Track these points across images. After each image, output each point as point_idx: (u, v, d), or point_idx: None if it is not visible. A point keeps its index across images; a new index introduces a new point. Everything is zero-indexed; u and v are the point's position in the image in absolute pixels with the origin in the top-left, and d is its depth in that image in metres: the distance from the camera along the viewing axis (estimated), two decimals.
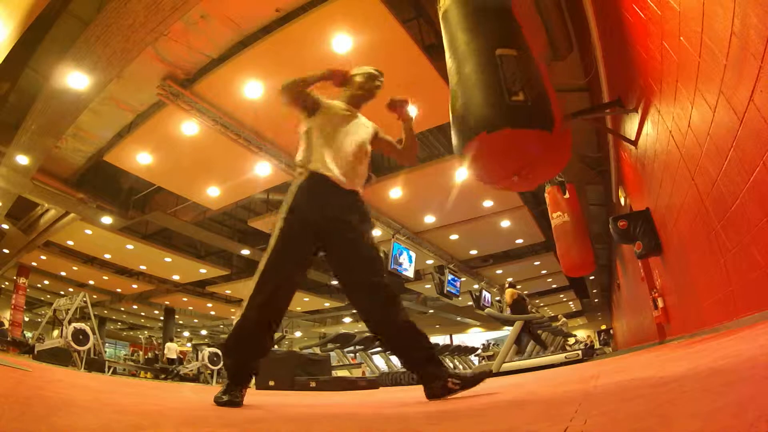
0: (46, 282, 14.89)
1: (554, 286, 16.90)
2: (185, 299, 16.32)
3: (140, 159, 7.11)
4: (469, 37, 2.38)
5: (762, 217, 1.80)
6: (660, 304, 4.90)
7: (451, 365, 10.40)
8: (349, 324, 20.18)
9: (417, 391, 2.47)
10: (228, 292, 16.03)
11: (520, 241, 11.89)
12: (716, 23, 1.72)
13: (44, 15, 4.60)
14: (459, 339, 22.36)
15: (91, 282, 14.80)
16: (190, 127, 6.34)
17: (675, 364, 1.62)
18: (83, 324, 8.24)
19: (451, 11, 2.58)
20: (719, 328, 2.72)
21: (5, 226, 9.90)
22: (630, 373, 1.81)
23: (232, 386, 1.76)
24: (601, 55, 4.03)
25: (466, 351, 11.27)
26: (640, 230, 4.32)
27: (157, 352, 12.75)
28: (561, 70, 5.50)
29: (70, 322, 8.32)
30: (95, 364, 8.63)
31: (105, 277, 14.09)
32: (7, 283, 14.92)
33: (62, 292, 15.12)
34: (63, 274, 14.02)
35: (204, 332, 24.17)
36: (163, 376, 10.74)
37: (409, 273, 10.19)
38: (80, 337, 7.74)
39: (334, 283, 15.09)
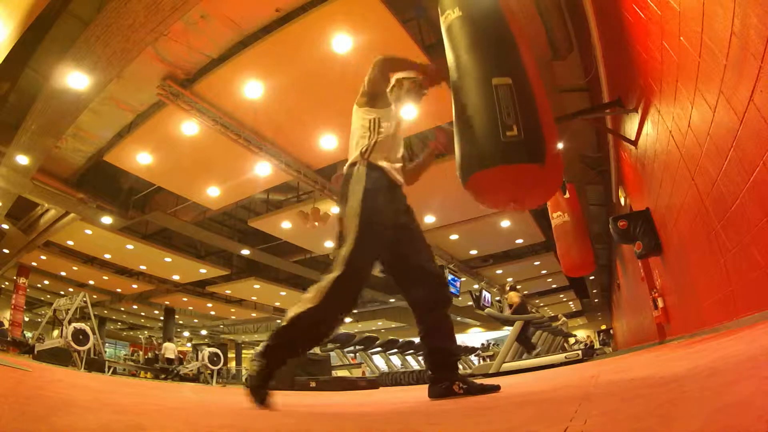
0: (46, 282, 14.89)
1: (554, 286, 16.90)
2: (185, 299, 16.32)
3: (140, 159, 7.11)
4: (470, 63, 2.48)
5: (762, 217, 1.80)
6: (660, 304, 4.90)
7: None
8: (349, 324, 20.18)
9: (417, 391, 2.47)
10: (228, 292, 16.02)
11: (520, 241, 11.89)
12: (716, 23, 1.72)
13: (44, 15, 4.60)
14: (459, 339, 22.26)
15: (91, 282, 14.80)
16: (190, 127, 6.34)
17: (675, 364, 1.62)
18: (83, 324, 8.24)
19: (454, 27, 2.62)
20: (719, 328, 2.72)
21: (5, 226, 9.90)
22: (630, 373, 1.81)
23: (267, 379, 1.68)
24: (601, 55, 4.03)
25: (466, 351, 11.27)
26: (640, 230, 4.32)
27: (157, 352, 12.74)
28: (561, 70, 5.50)
29: (70, 322, 8.32)
30: (95, 364, 8.63)
31: (105, 277, 14.09)
32: (7, 283, 14.92)
33: (62, 292, 15.12)
34: (63, 274, 14.02)
35: (204, 332, 24.16)
36: (163, 376, 10.74)
37: None
38: (80, 337, 7.74)
39: None
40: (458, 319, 21.84)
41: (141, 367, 11.54)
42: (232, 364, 23.34)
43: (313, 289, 1.77)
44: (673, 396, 0.90)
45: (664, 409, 0.75)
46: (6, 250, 11.22)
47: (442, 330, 1.92)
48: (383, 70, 2.04)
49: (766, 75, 1.47)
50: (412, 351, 9.11)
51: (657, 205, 3.97)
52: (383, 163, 1.95)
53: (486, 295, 12.40)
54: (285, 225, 9.74)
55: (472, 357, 11.60)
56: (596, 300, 20.18)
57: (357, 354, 9.11)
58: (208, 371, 10.87)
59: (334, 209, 8.78)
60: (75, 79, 5.24)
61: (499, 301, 11.77)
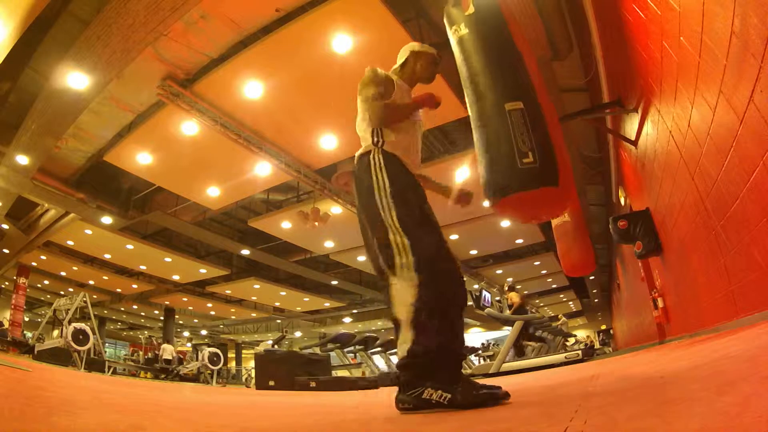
0: (46, 282, 14.88)
1: (554, 286, 16.91)
2: (185, 299, 16.33)
3: (140, 159, 7.11)
4: (482, 88, 2.61)
5: (762, 217, 1.80)
6: (660, 304, 4.90)
7: None
8: (349, 324, 20.18)
9: None
10: (228, 292, 16.03)
11: (520, 241, 11.89)
12: (716, 23, 1.72)
13: (44, 15, 4.59)
14: None
15: (91, 282, 14.80)
16: (190, 127, 6.34)
17: (675, 364, 1.62)
18: (83, 324, 8.25)
19: (467, 42, 2.66)
20: (719, 328, 2.72)
21: (5, 226, 9.89)
22: (630, 373, 1.81)
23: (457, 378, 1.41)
24: (601, 55, 4.03)
25: (466, 351, 11.27)
26: (640, 230, 4.32)
27: (157, 352, 12.76)
28: (561, 70, 5.50)
29: (70, 322, 8.33)
30: (95, 364, 8.63)
31: (105, 277, 14.09)
32: (7, 283, 14.91)
33: (62, 292, 15.12)
34: (63, 274, 14.02)
35: (204, 332, 24.16)
36: (163, 376, 10.75)
37: None
38: (80, 337, 7.75)
39: (334, 283, 15.10)
40: None
41: (141, 367, 11.54)
42: (232, 364, 23.35)
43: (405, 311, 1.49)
44: (673, 396, 0.90)
45: (664, 409, 0.75)
46: (6, 250, 11.22)
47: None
48: (381, 122, 1.84)
49: (766, 75, 1.47)
50: None
51: (657, 205, 3.97)
52: (403, 156, 1.81)
53: (486, 295, 12.40)
54: (285, 225, 9.74)
55: (472, 357, 11.60)
56: (596, 300, 20.19)
57: (357, 354, 9.11)
58: (208, 371, 10.88)
59: (335, 209, 8.78)
60: (75, 79, 5.24)
61: (499, 301, 11.77)
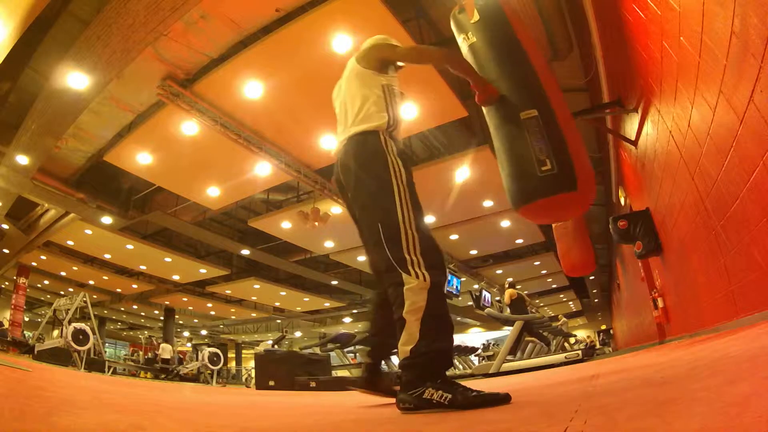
0: (46, 282, 14.89)
1: (554, 286, 16.91)
2: (185, 299, 16.33)
3: (140, 159, 7.11)
4: (501, 96, 2.63)
5: (762, 217, 1.80)
6: (660, 304, 4.90)
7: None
8: (349, 324, 20.19)
9: None
10: (228, 292, 16.03)
11: (520, 241, 11.89)
12: (716, 23, 1.72)
13: (44, 15, 4.59)
14: (459, 339, 22.36)
15: (91, 282, 14.80)
16: (190, 127, 6.34)
17: (675, 364, 1.62)
18: (83, 324, 8.25)
19: (478, 50, 2.68)
20: (719, 328, 2.72)
21: (5, 226, 9.89)
22: (630, 373, 1.81)
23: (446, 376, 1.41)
24: (601, 55, 4.03)
25: (466, 351, 11.26)
26: (640, 230, 4.32)
27: (157, 352, 12.78)
28: (561, 70, 5.50)
29: (70, 322, 8.33)
30: (95, 364, 8.64)
31: (105, 277, 14.09)
32: (7, 283, 14.92)
33: (62, 292, 15.12)
34: (63, 274, 14.02)
35: (204, 332, 24.16)
36: (163, 376, 10.75)
37: None
38: (80, 337, 7.75)
39: (334, 283, 15.11)
40: (458, 319, 21.83)
41: (141, 367, 11.55)
42: (232, 364, 23.37)
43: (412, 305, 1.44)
44: (673, 396, 0.90)
45: (664, 409, 0.75)
46: (6, 250, 11.22)
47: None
48: (421, 61, 1.91)
49: (766, 75, 1.47)
50: None
51: (657, 205, 3.97)
52: (397, 136, 1.72)
53: (486, 295, 12.40)
54: (285, 225, 9.74)
55: (472, 357, 11.60)
56: (596, 300, 20.20)
57: (357, 354, 9.11)
58: (208, 371, 10.89)
59: (335, 209, 8.78)
60: (75, 79, 5.24)
61: (499, 301, 11.77)
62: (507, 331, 8.13)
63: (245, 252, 12.17)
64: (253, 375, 10.13)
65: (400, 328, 1.44)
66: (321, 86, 5.99)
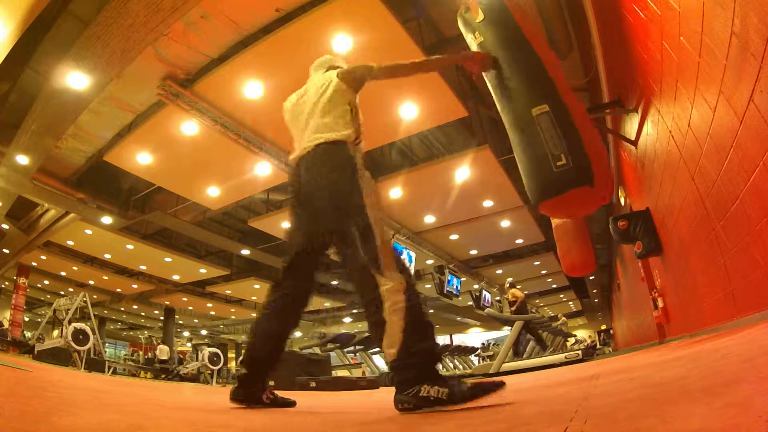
0: (46, 282, 14.88)
1: (554, 286, 16.91)
2: (185, 299, 16.32)
3: (140, 159, 7.11)
4: (508, 96, 2.64)
5: (762, 217, 1.80)
6: (660, 304, 4.90)
7: (451, 365, 10.40)
8: (349, 324, 20.18)
9: None
10: (228, 292, 16.03)
11: (520, 241, 11.89)
12: (716, 23, 1.72)
13: (44, 15, 4.59)
14: (459, 339, 22.36)
15: (91, 282, 14.79)
16: (190, 127, 6.34)
17: (675, 364, 1.62)
18: (83, 324, 8.25)
19: (488, 47, 2.68)
20: (719, 328, 2.72)
21: (5, 226, 9.89)
22: (630, 373, 1.81)
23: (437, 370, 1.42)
24: (601, 55, 4.03)
25: (466, 351, 11.27)
26: (640, 230, 4.32)
27: (156, 352, 12.80)
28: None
29: (70, 322, 8.33)
30: (95, 364, 8.63)
31: (105, 277, 14.09)
32: (7, 283, 14.91)
33: (62, 292, 15.12)
34: (63, 274, 14.01)
35: (204, 332, 24.16)
36: (163, 376, 10.75)
37: None
38: (80, 337, 7.75)
39: (334, 283, 15.10)
40: (458, 319, 21.84)
41: (141, 367, 11.55)
42: (232, 364, 23.35)
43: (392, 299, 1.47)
44: (673, 396, 0.90)
45: (664, 409, 0.75)
46: (6, 250, 11.22)
47: None
48: (395, 74, 1.99)
49: (766, 75, 1.47)
50: None
51: (657, 205, 3.98)
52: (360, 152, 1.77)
53: (486, 295, 12.40)
54: (285, 225, 9.72)
55: (472, 357, 11.60)
56: (596, 300, 20.19)
57: (357, 354, 9.11)
58: (208, 371, 10.88)
59: None
60: (75, 79, 5.24)
61: (499, 301, 11.77)
62: (507, 331, 8.14)
63: (245, 252, 12.17)
64: None
65: (380, 329, 1.45)
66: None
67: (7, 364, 2.73)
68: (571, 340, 13.43)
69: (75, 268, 13.10)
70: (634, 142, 4.01)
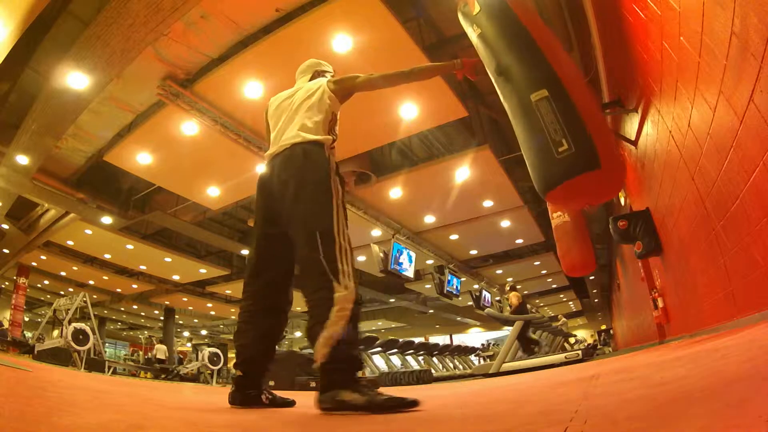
0: (46, 282, 14.89)
1: (554, 286, 16.90)
2: (185, 299, 16.32)
3: (140, 159, 7.11)
4: (506, 84, 2.59)
5: (762, 217, 1.80)
6: (660, 304, 4.90)
7: (451, 365, 10.41)
8: None
9: (417, 392, 2.47)
10: (228, 292, 16.02)
11: (520, 241, 11.89)
12: (716, 23, 1.72)
13: (44, 15, 4.59)
14: (459, 339, 22.37)
15: (91, 282, 14.79)
16: (190, 127, 6.34)
17: (675, 364, 1.62)
18: (83, 324, 8.25)
19: (486, 38, 2.64)
20: (719, 328, 2.72)
21: (5, 226, 9.89)
22: (630, 373, 1.81)
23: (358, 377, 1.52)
24: (601, 55, 4.03)
25: (466, 351, 11.28)
26: (640, 230, 4.32)
27: (154, 352, 12.82)
28: None
29: (70, 322, 8.33)
30: (95, 364, 8.64)
31: (105, 277, 14.09)
32: (7, 283, 14.91)
33: (62, 292, 15.12)
34: (63, 274, 14.01)
35: (204, 332, 24.16)
36: (163, 376, 10.75)
37: (409, 273, 10.19)
38: (80, 337, 7.75)
39: None
40: (458, 319, 21.84)
41: (141, 367, 11.54)
42: (232, 364, 23.35)
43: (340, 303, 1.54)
44: (673, 396, 0.90)
45: (664, 409, 0.75)
46: (6, 250, 11.22)
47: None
48: (386, 84, 2.02)
49: (766, 75, 1.47)
50: (412, 351, 9.11)
51: (657, 205, 3.97)
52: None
53: (486, 295, 12.41)
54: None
55: (472, 357, 11.60)
56: (596, 300, 20.18)
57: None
58: (208, 371, 10.88)
59: None
60: (75, 79, 5.24)
61: (499, 301, 11.78)
62: (507, 331, 8.14)
63: (245, 252, 12.17)
64: None
65: (320, 328, 1.49)
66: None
67: (7, 364, 2.73)
68: (571, 340, 13.43)
69: (75, 268, 13.10)
70: (634, 142, 4.01)
